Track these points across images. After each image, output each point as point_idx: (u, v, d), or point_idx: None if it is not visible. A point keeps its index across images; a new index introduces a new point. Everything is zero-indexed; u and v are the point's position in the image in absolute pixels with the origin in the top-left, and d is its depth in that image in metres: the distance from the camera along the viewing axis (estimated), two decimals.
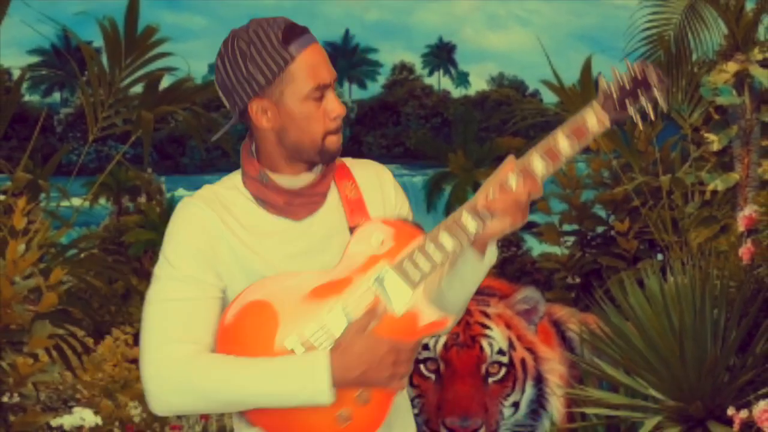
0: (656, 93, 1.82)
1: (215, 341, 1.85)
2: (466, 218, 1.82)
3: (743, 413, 3.25)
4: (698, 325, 3.61)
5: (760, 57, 5.54)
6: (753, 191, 5.58)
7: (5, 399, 4.21)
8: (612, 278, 5.43)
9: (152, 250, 12.39)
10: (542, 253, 9.14)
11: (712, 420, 3.52)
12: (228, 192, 1.93)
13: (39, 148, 7.33)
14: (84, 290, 4.96)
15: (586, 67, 7.00)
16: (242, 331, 1.84)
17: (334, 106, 1.88)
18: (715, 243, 5.08)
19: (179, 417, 5.19)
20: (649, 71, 1.82)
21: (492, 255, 1.88)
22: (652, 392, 3.66)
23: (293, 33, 1.85)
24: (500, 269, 9.95)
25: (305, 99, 1.86)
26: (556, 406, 4.09)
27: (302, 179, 1.93)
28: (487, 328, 4.05)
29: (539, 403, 4.08)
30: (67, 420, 4.64)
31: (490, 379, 4.01)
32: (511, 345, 4.05)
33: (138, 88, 5.17)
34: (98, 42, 5.22)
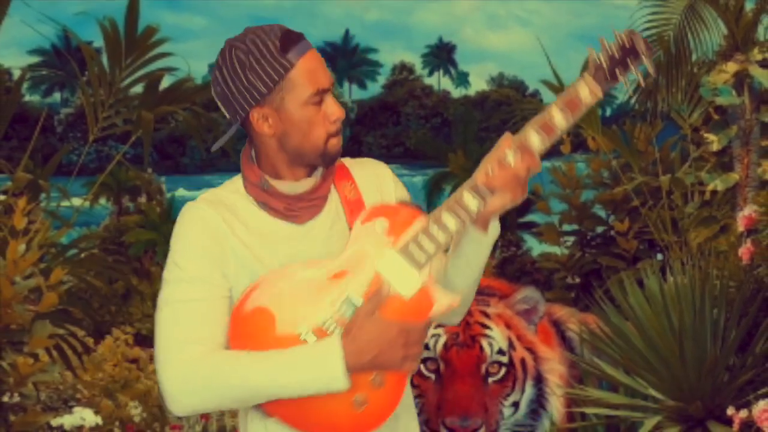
0: (645, 60, 1.85)
1: (228, 338, 1.87)
2: (467, 197, 1.86)
3: (743, 413, 3.25)
4: (698, 325, 3.61)
5: (759, 57, 5.55)
6: (753, 191, 5.59)
7: (5, 399, 4.22)
8: (612, 278, 5.44)
9: (152, 250, 12.40)
10: (542, 253, 9.14)
11: (712, 420, 3.52)
12: (231, 195, 1.95)
13: (39, 148, 7.34)
14: (84, 290, 4.96)
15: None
16: (251, 325, 1.85)
17: (333, 110, 1.91)
18: (715, 243, 5.09)
19: (179, 417, 5.19)
20: (637, 39, 1.86)
21: (495, 229, 1.92)
22: (652, 392, 3.67)
23: (290, 40, 1.87)
24: (500, 269, 9.95)
25: (306, 104, 1.88)
26: (555, 405, 4.08)
27: (303, 184, 1.95)
28: (487, 328, 4.05)
29: (539, 402, 4.08)
30: (67, 420, 4.64)
31: (490, 379, 4.01)
32: (511, 345, 4.05)
33: (138, 88, 5.17)
34: (98, 42, 5.22)
